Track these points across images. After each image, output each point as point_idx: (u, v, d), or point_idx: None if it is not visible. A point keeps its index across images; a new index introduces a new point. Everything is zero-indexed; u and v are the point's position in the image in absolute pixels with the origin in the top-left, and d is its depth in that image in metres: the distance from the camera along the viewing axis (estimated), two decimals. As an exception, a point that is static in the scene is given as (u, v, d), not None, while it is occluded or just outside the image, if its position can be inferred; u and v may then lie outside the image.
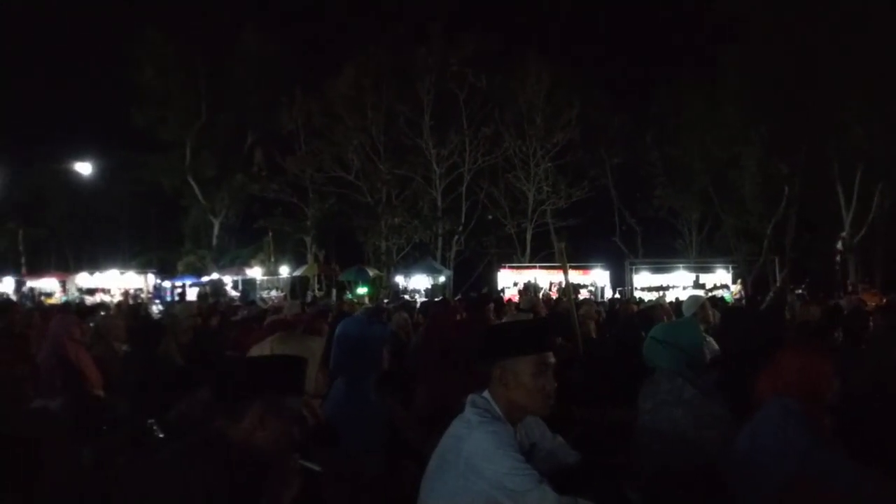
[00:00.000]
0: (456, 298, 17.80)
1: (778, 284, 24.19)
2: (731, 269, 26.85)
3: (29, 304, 22.25)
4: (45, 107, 37.07)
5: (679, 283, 25.51)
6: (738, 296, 20.43)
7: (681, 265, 27.44)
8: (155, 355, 5.55)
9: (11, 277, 31.16)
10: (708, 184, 31.34)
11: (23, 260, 33.79)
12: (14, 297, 25.68)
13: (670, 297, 20.38)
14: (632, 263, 27.85)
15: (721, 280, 25.75)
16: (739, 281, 25.57)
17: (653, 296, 22.23)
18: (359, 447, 3.26)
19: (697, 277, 25.98)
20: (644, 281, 26.41)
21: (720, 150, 30.35)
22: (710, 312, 6.92)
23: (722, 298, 15.17)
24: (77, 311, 8.42)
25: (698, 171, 31.69)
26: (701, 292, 20.36)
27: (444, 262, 32.70)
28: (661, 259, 28.79)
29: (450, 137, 32.32)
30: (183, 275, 33.50)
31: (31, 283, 30.27)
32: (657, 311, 7.51)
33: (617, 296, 24.87)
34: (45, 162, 31.71)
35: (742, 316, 7.27)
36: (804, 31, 26.05)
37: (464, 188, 33.56)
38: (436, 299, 16.70)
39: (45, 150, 33.16)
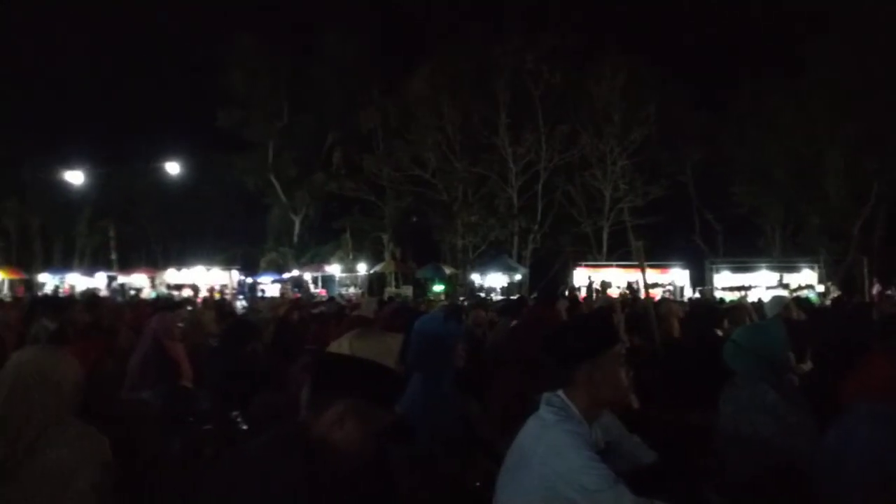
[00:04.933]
0: (532, 297, 17.74)
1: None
2: (816, 268, 25.91)
3: (120, 298, 23.15)
4: (138, 109, 38.56)
5: (762, 283, 24.78)
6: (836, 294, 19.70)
7: (764, 264, 26.66)
8: (240, 351, 5.73)
9: (103, 273, 32.51)
10: (791, 181, 30.38)
11: (114, 256, 35.21)
12: (106, 293, 26.83)
13: (753, 297, 19.85)
14: (712, 262, 27.22)
15: (806, 280, 24.89)
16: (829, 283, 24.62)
17: (734, 296, 21.70)
18: (434, 443, 3.31)
19: (781, 277, 25.19)
20: (725, 280, 25.76)
21: (804, 146, 29.39)
22: (795, 313, 6.73)
23: (807, 299, 14.65)
24: (165, 306, 8.75)
25: (780, 168, 30.74)
26: (785, 292, 19.78)
27: (520, 261, 32.65)
28: (743, 258, 28.01)
29: (526, 135, 32.20)
30: (265, 271, 34.35)
31: (121, 279, 31.48)
32: (739, 311, 7.36)
33: (697, 295, 24.36)
34: (137, 162, 33.01)
35: (829, 317, 7.06)
36: (892, 25, 25.03)
37: (540, 186, 33.41)
38: (512, 297, 16.69)
39: (137, 151, 34.53)
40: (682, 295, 24.26)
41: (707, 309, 9.04)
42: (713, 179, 32.79)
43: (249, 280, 32.53)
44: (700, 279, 27.28)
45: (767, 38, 30.95)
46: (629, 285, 22.13)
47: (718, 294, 23.87)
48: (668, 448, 3.01)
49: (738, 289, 24.37)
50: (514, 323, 6.60)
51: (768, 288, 23.70)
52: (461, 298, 21.46)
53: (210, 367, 5.96)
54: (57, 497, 2.38)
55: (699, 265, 27.97)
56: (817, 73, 28.22)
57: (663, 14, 35.66)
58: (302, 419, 2.17)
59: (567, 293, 20.85)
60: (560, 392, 2.57)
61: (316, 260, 35.98)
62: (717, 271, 26.27)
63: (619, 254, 31.46)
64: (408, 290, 29.95)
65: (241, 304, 20.34)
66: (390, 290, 30.54)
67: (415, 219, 35.54)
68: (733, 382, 3.39)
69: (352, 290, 30.93)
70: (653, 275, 24.25)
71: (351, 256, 34.46)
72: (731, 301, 17.00)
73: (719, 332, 6.10)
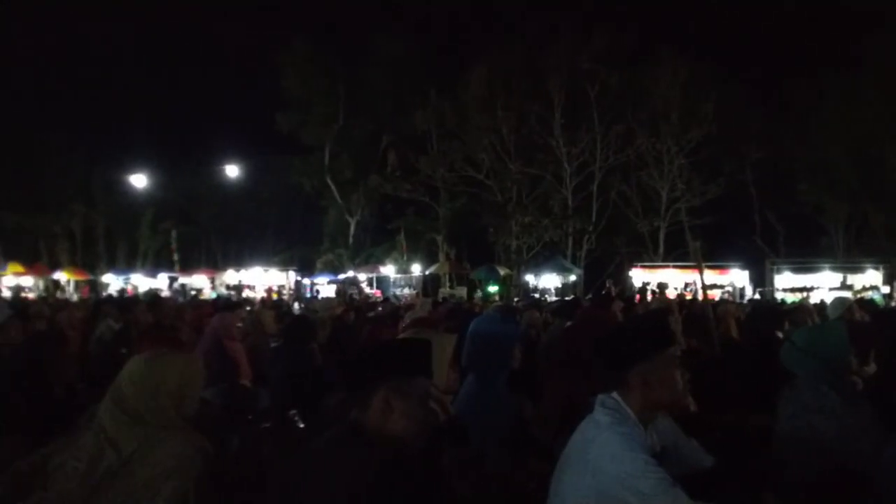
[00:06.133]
0: (587, 298, 17.61)
1: None
2: (881, 269, 25.06)
3: (181, 299, 23.67)
4: (198, 113, 39.61)
5: (825, 284, 24.10)
6: None
7: (826, 265, 25.89)
8: (302, 350, 5.82)
9: (165, 274, 33.31)
10: (855, 179, 29.51)
11: (176, 257, 35.99)
12: (168, 293, 27.50)
13: (815, 298, 19.36)
14: (773, 263, 26.58)
15: (871, 281, 24.10)
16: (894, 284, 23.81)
17: (796, 297, 21.20)
18: (489, 444, 3.32)
19: (845, 278, 24.44)
20: (787, 281, 25.12)
21: (867, 144, 28.55)
22: (859, 315, 6.56)
23: (871, 300, 14.20)
24: (225, 307, 8.95)
25: (844, 166, 29.88)
26: (848, 294, 19.22)
27: (575, 261, 32.43)
28: (805, 258, 27.28)
29: (581, 135, 31.99)
30: (321, 272, 34.78)
31: (182, 280, 32.19)
32: (801, 313, 7.20)
33: (757, 296, 23.84)
34: (197, 165, 33.83)
35: (894, 319, 6.85)
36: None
37: (595, 186, 33.16)
38: (567, 298, 16.60)
39: (198, 154, 35.39)
40: (741, 296, 23.77)
41: (767, 310, 8.86)
42: (774, 178, 32.10)
43: (307, 281, 32.96)
44: (760, 280, 26.70)
45: (827, 35, 30.25)
46: (659, 285, 21.82)
47: (779, 295, 23.31)
48: (727, 451, 2.96)
49: (800, 290, 23.76)
50: (568, 324, 6.57)
51: (831, 289, 23.04)
52: (515, 299, 21.40)
53: (273, 366, 6.07)
54: (153, 499, 2.36)
55: (759, 266, 27.35)
56: (877, 70, 27.44)
57: (722, 11, 35.13)
58: (353, 418, 2.20)
59: (604, 290, 20.75)
60: (614, 394, 2.55)
61: (371, 261, 36.33)
62: (778, 272, 25.64)
63: (675, 255, 31.02)
64: (462, 291, 30.01)
65: (297, 305, 20.58)
66: (444, 290, 30.63)
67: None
68: (793, 384, 3.33)
69: (406, 290, 31.11)
70: (711, 276, 23.81)
71: (405, 257, 34.68)
72: (793, 302, 16.62)
73: (779, 334, 5.98)
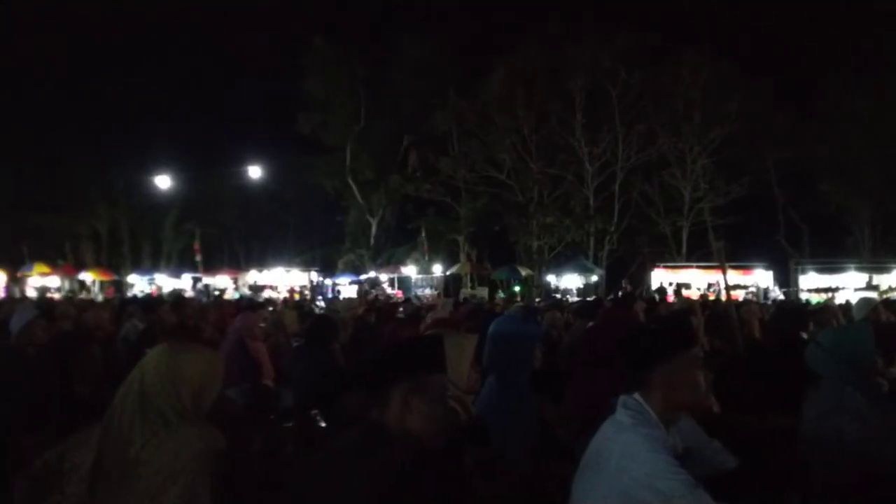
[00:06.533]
0: (609, 298, 17.53)
1: None
2: None
3: (205, 299, 23.83)
4: (221, 115, 39.88)
5: (850, 285, 23.83)
6: None
7: (852, 265, 25.62)
8: (322, 351, 5.84)
9: (189, 274, 33.57)
10: (880, 178, 29.14)
11: (199, 258, 36.25)
12: (192, 293, 27.71)
13: (840, 299, 19.16)
14: (797, 263, 26.33)
15: (897, 282, 23.82)
16: None
17: (821, 297, 20.99)
18: (510, 445, 3.31)
19: (870, 278, 24.16)
20: (811, 282, 24.90)
21: (892, 143, 28.19)
22: (884, 315, 6.48)
23: (897, 301, 14.01)
24: (248, 307, 9.02)
25: (869, 165, 29.53)
26: (874, 294, 19.00)
27: (597, 262, 32.33)
28: (830, 259, 27.00)
29: (602, 135, 31.89)
30: (342, 272, 34.91)
31: (206, 280, 32.44)
32: (826, 313, 7.13)
33: (781, 297, 23.63)
34: (220, 166, 34.07)
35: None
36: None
37: (616, 186, 33.06)
38: (588, 299, 16.54)
39: (220, 155, 35.64)
40: (765, 297, 23.57)
41: (792, 311, 8.77)
42: (798, 178, 31.80)
43: (328, 281, 33.09)
44: (784, 280, 26.47)
45: (851, 34, 29.91)
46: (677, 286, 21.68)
47: (804, 296, 23.09)
48: (750, 453, 2.94)
49: (825, 290, 23.53)
50: (590, 324, 6.55)
51: (856, 289, 22.79)
52: (537, 300, 21.34)
53: (295, 366, 6.10)
54: (163, 499, 2.30)
55: (783, 266, 27.12)
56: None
57: (744, 10, 34.83)
58: (372, 417, 2.21)
59: (621, 290, 20.62)
60: (636, 395, 2.54)
61: (392, 261, 36.40)
62: (803, 272, 25.41)
63: (698, 255, 30.81)
64: (483, 292, 30.02)
65: (317, 306, 20.66)
66: (466, 291, 30.64)
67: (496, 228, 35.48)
68: (817, 386, 3.30)
69: (428, 291, 31.14)
70: (735, 276, 23.66)
71: (427, 258, 34.70)
72: (818, 303, 16.47)
73: (804, 335, 5.92)
